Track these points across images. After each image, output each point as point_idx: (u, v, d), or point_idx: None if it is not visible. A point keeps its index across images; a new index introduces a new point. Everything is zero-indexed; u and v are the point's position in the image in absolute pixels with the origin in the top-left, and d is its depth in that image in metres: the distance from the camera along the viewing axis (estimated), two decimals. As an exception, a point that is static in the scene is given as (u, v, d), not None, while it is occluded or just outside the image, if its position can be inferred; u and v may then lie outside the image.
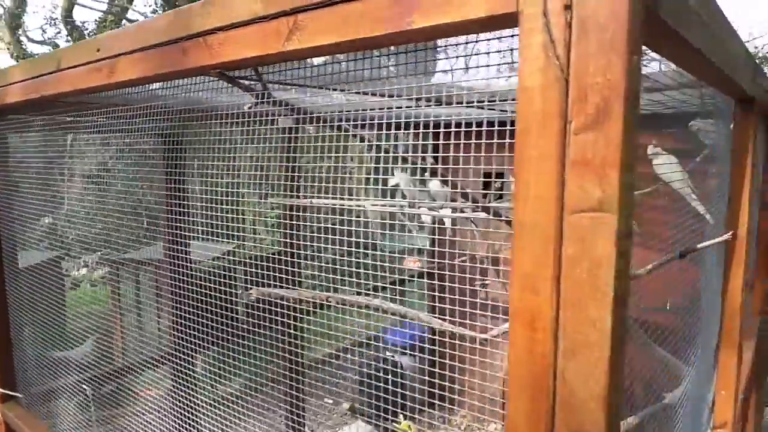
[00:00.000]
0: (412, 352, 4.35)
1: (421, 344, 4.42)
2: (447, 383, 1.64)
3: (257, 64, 1.02)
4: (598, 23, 0.60)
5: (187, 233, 1.99)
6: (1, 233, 2.21)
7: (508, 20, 0.66)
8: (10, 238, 2.27)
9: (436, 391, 1.61)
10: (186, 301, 1.85)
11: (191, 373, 2.01)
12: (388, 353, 4.43)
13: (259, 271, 1.54)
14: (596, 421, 0.64)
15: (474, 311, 1.36)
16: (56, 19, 11.24)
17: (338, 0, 0.82)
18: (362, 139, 1.21)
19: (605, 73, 0.60)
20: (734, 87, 1.52)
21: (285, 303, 1.47)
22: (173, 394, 2.03)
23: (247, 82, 1.20)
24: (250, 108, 1.07)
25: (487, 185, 3.30)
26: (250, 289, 1.42)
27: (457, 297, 1.37)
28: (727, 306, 1.87)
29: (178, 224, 1.97)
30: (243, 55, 0.97)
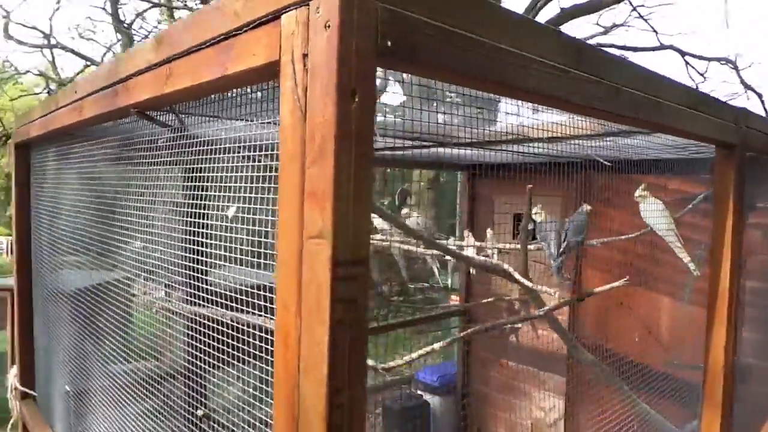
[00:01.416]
0: (439, 394, 4.29)
1: (451, 385, 4.35)
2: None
3: (154, 104, 1.16)
4: (321, 70, 0.67)
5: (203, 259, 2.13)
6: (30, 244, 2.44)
7: (276, 67, 0.74)
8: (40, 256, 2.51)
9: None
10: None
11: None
12: (418, 391, 4.39)
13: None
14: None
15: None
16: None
17: (191, 51, 0.94)
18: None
19: (324, 114, 0.66)
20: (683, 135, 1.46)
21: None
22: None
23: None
24: (163, 143, 1.21)
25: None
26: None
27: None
28: (710, 366, 1.75)
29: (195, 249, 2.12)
30: (145, 96, 1.12)
